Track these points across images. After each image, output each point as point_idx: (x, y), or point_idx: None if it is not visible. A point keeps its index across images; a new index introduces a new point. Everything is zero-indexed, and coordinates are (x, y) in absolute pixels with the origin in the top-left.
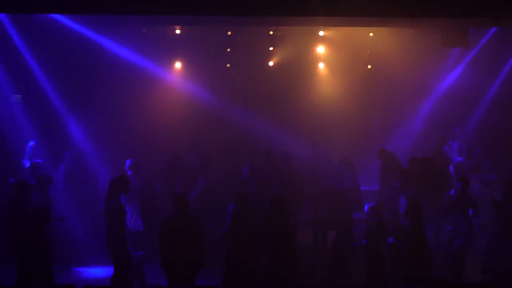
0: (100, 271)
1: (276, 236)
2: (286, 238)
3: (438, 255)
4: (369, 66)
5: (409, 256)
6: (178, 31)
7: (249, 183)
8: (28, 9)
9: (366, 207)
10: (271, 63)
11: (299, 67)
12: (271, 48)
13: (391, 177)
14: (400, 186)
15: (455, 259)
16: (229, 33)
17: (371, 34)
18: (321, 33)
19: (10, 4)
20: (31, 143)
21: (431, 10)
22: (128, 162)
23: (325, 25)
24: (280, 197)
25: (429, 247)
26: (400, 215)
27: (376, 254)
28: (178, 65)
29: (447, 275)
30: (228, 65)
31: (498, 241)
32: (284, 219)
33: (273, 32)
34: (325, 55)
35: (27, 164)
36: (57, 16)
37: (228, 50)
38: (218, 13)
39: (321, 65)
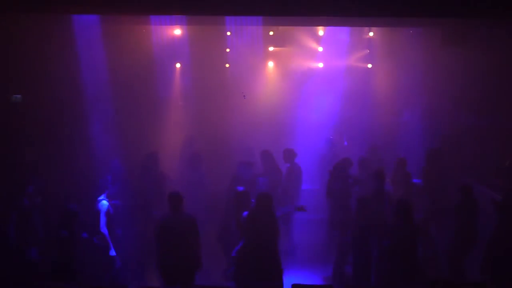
0: None
1: (257, 235)
2: (267, 238)
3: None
4: (369, 66)
5: (398, 257)
6: (178, 31)
7: (247, 181)
8: (27, 8)
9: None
10: (271, 63)
11: (299, 67)
12: (271, 49)
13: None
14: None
15: (456, 261)
16: (228, 33)
17: (371, 34)
18: (321, 33)
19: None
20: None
21: (431, 10)
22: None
23: (325, 25)
24: (266, 196)
25: (418, 249)
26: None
27: (364, 251)
28: (178, 65)
29: (447, 275)
30: (227, 65)
31: (498, 241)
32: (267, 218)
33: (274, 32)
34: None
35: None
36: None
37: (228, 50)
38: (217, 13)
39: (320, 65)
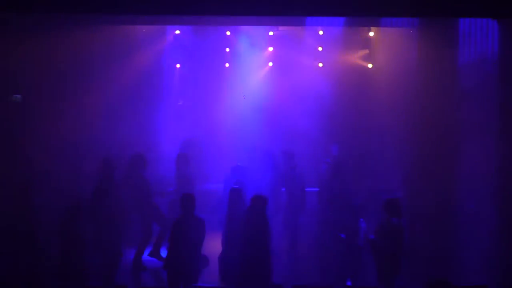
0: None
1: (250, 236)
2: (259, 239)
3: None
4: (370, 65)
5: (385, 255)
6: (177, 31)
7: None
8: (26, 8)
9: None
10: (270, 63)
11: (299, 67)
12: (271, 49)
13: None
14: None
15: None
16: (228, 33)
17: (371, 34)
18: (321, 32)
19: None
20: None
21: (431, 10)
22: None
23: (325, 25)
24: (260, 199)
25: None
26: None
27: (354, 249)
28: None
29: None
30: (227, 65)
31: (498, 241)
32: (260, 220)
33: (273, 32)
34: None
35: None
36: None
37: (227, 50)
38: (217, 13)
39: (320, 65)
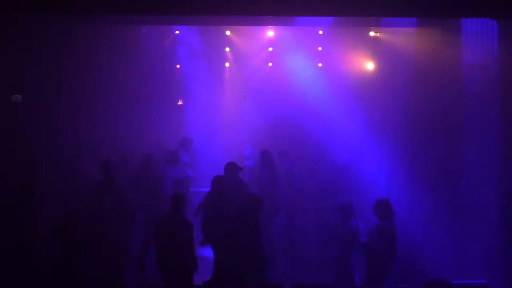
0: None
1: (242, 235)
2: (250, 238)
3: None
4: (370, 66)
5: (376, 258)
6: (177, 32)
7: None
8: (26, 9)
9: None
10: (270, 64)
11: (298, 67)
12: (270, 49)
13: None
14: None
15: None
16: (228, 33)
17: (371, 34)
18: (321, 32)
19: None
20: None
21: (431, 10)
22: None
23: (324, 25)
24: (255, 198)
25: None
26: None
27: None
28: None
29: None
30: (227, 64)
31: (498, 241)
32: (253, 219)
33: (273, 33)
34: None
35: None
36: None
37: (228, 49)
38: (217, 12)
39: (320, 65)
